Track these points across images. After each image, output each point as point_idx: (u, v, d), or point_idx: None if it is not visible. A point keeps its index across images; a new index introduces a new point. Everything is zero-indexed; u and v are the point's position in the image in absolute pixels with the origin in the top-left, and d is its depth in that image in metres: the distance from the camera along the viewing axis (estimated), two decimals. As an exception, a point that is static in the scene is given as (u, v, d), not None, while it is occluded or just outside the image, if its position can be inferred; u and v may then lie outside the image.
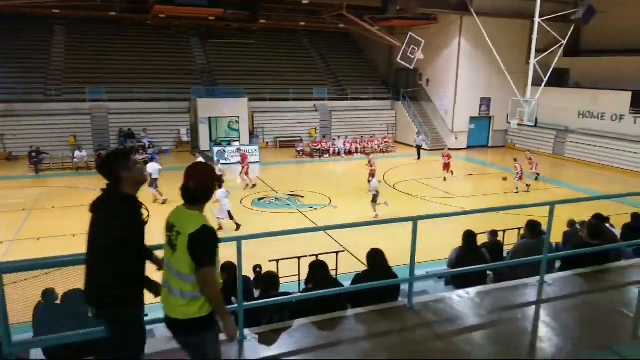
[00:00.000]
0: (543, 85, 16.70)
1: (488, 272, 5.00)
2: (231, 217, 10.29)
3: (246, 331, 3.19)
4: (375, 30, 21.08)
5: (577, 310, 3.74)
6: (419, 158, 19.30)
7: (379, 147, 21.23)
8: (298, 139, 21.27)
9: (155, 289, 2.45)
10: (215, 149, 18.55)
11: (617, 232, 6.07)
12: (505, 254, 5.80)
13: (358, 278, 3.84)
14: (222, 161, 17.62)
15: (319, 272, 3.83)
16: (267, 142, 21.81)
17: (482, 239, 5.71)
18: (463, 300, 3.77)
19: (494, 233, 6.28)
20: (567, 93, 20.55)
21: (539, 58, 15.99)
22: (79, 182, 15.35)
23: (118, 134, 19.24)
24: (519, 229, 7.59)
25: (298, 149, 20.14)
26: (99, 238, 2.30)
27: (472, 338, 3.29)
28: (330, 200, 13.18)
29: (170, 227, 2.29)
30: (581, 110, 19.92)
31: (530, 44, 16.32)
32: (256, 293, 5.07)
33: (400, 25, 22.06)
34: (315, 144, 20.46)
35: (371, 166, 14.16)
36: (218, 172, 13.14)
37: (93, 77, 20.44)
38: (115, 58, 21.66)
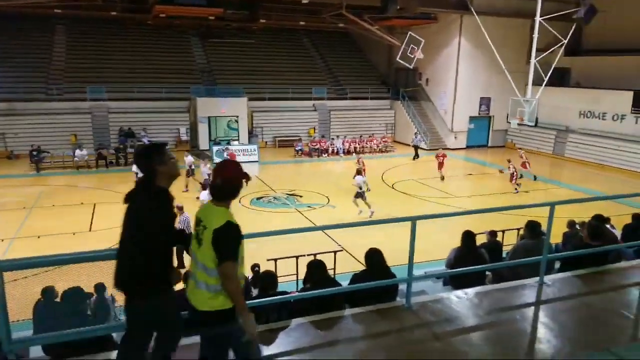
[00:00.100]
0: (544, 84, 16.68)
1: (487, 273, 5.00)
2: None
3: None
4: (374, 30, 21.06)
5: (576, 312, 3.73)
6: (415, 158, 19.17)
7: (377, 146, 21.22)
8: (297, 138, 21.27)
9: (175, 275, 2.55)
10: (215, 148, 18.57)
11: (618, 233, 6.06)
12: (504, 255, 5.80)
13: (356, 278, 3.84)
14: (217, 160, 17.66)
15: (317, 271, 3.83)
16: (266, 142, 21.82)
17: (481, 239, 5.71)
18: (461, 301, 3.76)
19: (493, 233, 6.27)
20: (568, 93, 20.52)
21: (539, 57, 15.98)
22: (80, 181, 15.38)
23: (118, 133, 19.25)
24: (519, 229, 7.58)
25: (297, 149, 20.15)
26: (134, 229, 2.39)
27: (470, 338, 3.28)
28: (329, 200, 13.19)
29: (198, 222, 2.37)
30: (582, 110, 19.89)
31: (531, 43, 16.31)
32: (254, 292, 5.08)
33: (400, 25, 22.03)
34: (314, 144, 20.46)
35: (361, 165, 14.13)
36: (207, 172, 13.16)
37: (94, 77, 20.46)
38: (116, 57, 21.66)
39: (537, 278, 4.08)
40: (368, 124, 23.11)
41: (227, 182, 2.35)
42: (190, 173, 13.95)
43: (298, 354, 3.03)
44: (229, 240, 2.25)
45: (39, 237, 9.92)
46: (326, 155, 20.00)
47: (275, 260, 6.91)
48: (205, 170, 13.26)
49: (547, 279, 4.11)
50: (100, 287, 5.20)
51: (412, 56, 19.35)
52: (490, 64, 19.31)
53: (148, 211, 2.37)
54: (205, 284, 2.30)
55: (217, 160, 18.25)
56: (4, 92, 18.65)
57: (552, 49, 16.92)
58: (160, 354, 2.60)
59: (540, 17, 15.49)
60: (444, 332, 3.32)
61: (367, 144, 21.21)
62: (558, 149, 20.50)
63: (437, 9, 20.11)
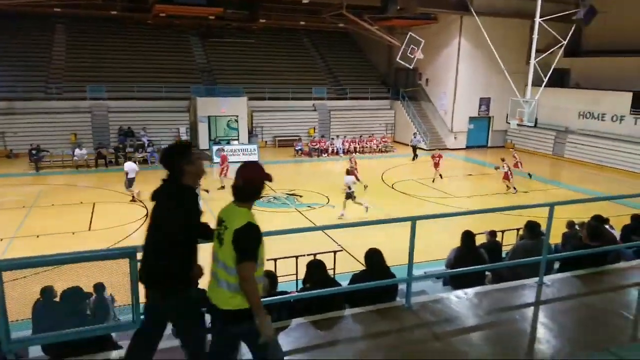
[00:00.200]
0: (543, 85, 16.70)
1: (486, 273, 5.00)
2: None
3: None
4: (375, 30, 21.06)
5: (575, 312, 3.73)
6: (414, 158, 19.12)
7: (377, 146, 21.22)
8: (297, 138, 21.27)
9: (198, 273, 2.62)
10: (215, 147, 18.56)
11: (617, 233, 6.06)
12: (504, 255, 5.80)
13: (356, 278, 3.84)
14: (217, 159, 17.67)
15: (316, 271, 3.82)
16: (266, 141, 21.81)
17: (480, 240, 5.71)
18: (461, 301, 3.77)
19: (492, 233, 6.27)
20: (568, 93, 20.54)
21: (539, 58, 15.98)
22: (79, 180, 15.36)
23: (118, 132, 19.23)
24: (518, 229, 7.58)
25: (297, 148, 20.15)
26: (163, 226, 2.45)
27: (470, 339, 3.28)
28: (329, 200, 13.18)
29: (219, 222, 2.41)
30: (581, 110, 19.91)
31: (531, 44, 16.32)
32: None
33: (400, 25, 22.03)
34: (314, 143, 20.46)
35: (353, 164, 14.12)
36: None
37: (93, 76, 20.44)
38: (116, 57, 21.65)
39: (537, 278, 4.08)
40: (368, 124, 23.11)
41: (249, 183, 2.37)
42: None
43: (298, 354, 3.02)
44: (248, 240, 2.29)
45: (38, 236, 9.91)
46: (326, 155, 20.00)
47: (275, 260, 6.90)
48: None
49: (547, 279, 4.12)
50: (99, 287, 5.18)
51: (412, 56, 19.35)
52: (490, 65, 19.32)
53: (172, 209, 2.42)
54: (226, 282, 2.33)
55: (216, 160, 18.25)
56: (3, 91, 18.62)
57: (552, 49, 16.93)
58: (191, 356, 2.61)
59: (540, 17, 15.50)
60: (443, 332, 3.32)
61: (367, 144, 21.21)
62: (557, 149, 20.52)
63: (437, 9, 20.12)
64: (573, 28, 16.86)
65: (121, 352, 3.18)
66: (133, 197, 12.61)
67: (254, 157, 18.47)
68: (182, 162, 2.43)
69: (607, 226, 5.97)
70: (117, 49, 22.00)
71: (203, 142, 20.00)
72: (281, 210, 12.36)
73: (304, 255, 6.63)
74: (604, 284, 4.21)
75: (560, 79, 20.66)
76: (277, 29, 24.96)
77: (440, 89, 22.41)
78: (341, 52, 26.54)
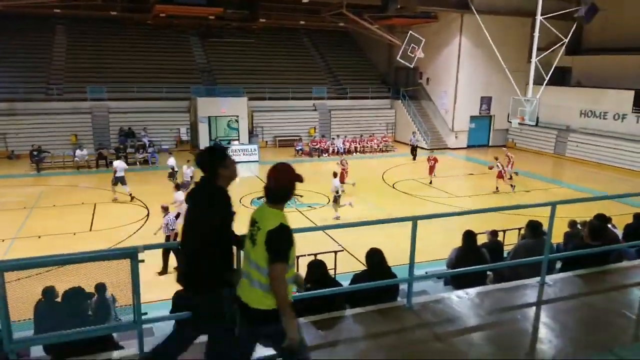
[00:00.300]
0: (544, 84, 16.65)
1: (488, 273, 4.99)
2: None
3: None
4: (375, 29, 21.03)
5: (577, 312, 3.72)
6: (414, 158, 19.08)
7: (378, 146, 21.20)
8: (297, 138, 21.26)
9: (236, 276, 2.64)
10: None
11: (619, 232, 6.04)
12: (505, 254, 5.79)
13: (357, 278, 3.84)
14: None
15: (317, 271, 3.82)
16: (267, 141, 21.80)
17: (482, 239, 5.70)
18: (462, 301, 3.76)
19: (494, 233, 6.26)
20: (569, 92, 20.48)
21: (540, 56, 15.94)
22: (80, 181, 15.38)
23: (118, 133, 19.26)
24: (520, 229, 7.57)
25: (297, 148, 20.14)
26: (198, 227, 2.51)
27: (471, 339, 3.27)
28: (329, 200, 13.16)
29: (252, 223, 2.45)
30: (583, 109, 19.85)
31: (532, 42, 16.28)
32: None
33: (400, 24, 21.99)
34: (315, 143, 20.44)
35: (345, 166, 14.09)
36: (190, 173, 12.91)
37: (94, 76, 20.46)
38: (116, 57, 21.66)
39: (538, 278, 4.06)
40: (368, 123, 23.09)
41: (280, 185, 2.40)
42: (173, 175, 13.70)
43: (282, 357, 3.01)
44: (280, 242, 2.32)
45: (39, 237, 9.93)
46: (326, 155, 19.98)
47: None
48: (188, 172, 12.96)
49: (549, 278, 4.10)
50: (101, 287, 5.19)
51: (413, 55, 19.31)
52: (491, 63, 19.28)
53: (206, 210, 2.49)
54: (259, 282, 2.36)
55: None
56: (4, 92, 18.65)
57: (553, 48, 16.88)
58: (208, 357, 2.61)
59: (541, 16, 15.46)
60: (445, 332, 3.31)
61: (367, 143, 21.19)
62: (559, 148, 20.47)
63: (437, 8, 20.07)
64: (574, 26, 16.81)
65: (122, 352, 3.19)
66: (131, 195, 12.74)
67: (254, 158, 18.48)
68: (218, 165, 2.50)
69: (609, 225, 5.95)
70: (117, 50, 22.01)
71: (204, 143, 19.99)
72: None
73: (304, 255, 6.62)
74: (606, 284, 4.19)
75: (561, 78, 20.60)
76: (277, 29, 24.95)
77: (441, 88, 22.37)
78: (341, 52, 26.52)
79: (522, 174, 15.55)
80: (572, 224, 6.62)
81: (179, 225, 8.90)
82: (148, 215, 11.53)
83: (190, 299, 2.60)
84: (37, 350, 3.97)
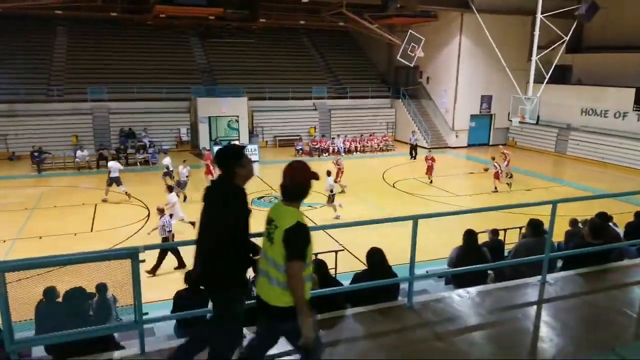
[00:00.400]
0: (545, 82, 16.62)
1: (489, 272, 4.98)
2: (169, 231, 8.53)
3: (245, 330, 3.18)
4: (375, 28, 21.01)
5: (579, 310, 3.71)
6: (414, 158, 19.00)
7: (378, 145, 21.18)
8: (297, 137, 21.25)
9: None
10: (215, 148, 18.56)
11: (620, 231, 6.02)
12: (506, 253, 5.78)
13: (357, 277, 3.84)
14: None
15: (318, 271, 3.82)
16: (267, 141, 21.80)
17: (483, 238, 5.69)
18: (463, 300, 3.75)
19: (495, 232, 6.25)
20: (570, 90, 20.44)
21: (540, 55, 15.91)
22: (81, 182, 15.39)
23: (119, 134, 19.27)
24: (521, 227, 7.56)
25: (297, 148, 20.13)
26: (214, 225, 2.52)
27: (472, 338, 3.27)
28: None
29: (269, 221, 2.46)
30: (584, 107, 19.81)
31: (532, 40, 16.25)
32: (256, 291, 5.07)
33: (400, 23, 21.96)
34: (315, 143, 20.44)
35: (340, 166, 14.05)
36: (186, 173, 12.78)
37: (94, 77, 20.47)
38: (116, 58, 21.68)
39: (540, 277, 4.06)
40: (368, 123, 23.07)
41: (295, 183, 2.42)
42: (168, 174, 13.64)
43: (299, 353, 3.02)
44: (298, 240, 2.33)
45: (40, 237, 9.94)
46: (327, 154, 19.96)
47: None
48: (184, 172, 12.87)
49: (550, 277, 4.10)
50: (101, 288, 5.19)
51: (413, 54, 19.29)
52: (491, 62, 19.25)
53: (221, 208, 2.50)
54: (277, 280, 2.37)
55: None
56: (5, 94, 18.68)
57: (554, 46, 16.85)
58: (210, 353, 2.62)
59: (542, 14, 15.43)
60: (446, 332, 3.31)
61: (367, 143, 21.17)
62: (560, 147, 20.44)
63: (437, 7, 20.04)
64: (575, 24, 16.77)
65: (123, 352, 3.19)
66: (127, 193, 12.79)
67: (254, 157, 18.46)
68: (234, 164, 2.52)
69: (610, 224, 5.94)
70: (117, 51, 22.03)
71: (204, 143, 20.00)
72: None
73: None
74: (608, 282, 4.18)
75: (562, 76, 20.56)
76: (277, 29, 24.94)
77: (441, 87, 22.34)
78: (341, 51, 26.50)
79: (523, 173, 15.54)
80: (573, 222, 6.61)
81: (174, 225, 8.94)
82: (149, 215, 11.54)
83: (215, 299, 2.62)
84: (38, 351, 3.98)
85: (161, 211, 8.68)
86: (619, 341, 3.26)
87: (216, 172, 15.94)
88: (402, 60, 19.59)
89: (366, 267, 3.98)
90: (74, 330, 2.91)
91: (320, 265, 3.89)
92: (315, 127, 22.23)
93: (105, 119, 19.51)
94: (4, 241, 9.72)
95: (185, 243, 3.14)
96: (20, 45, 20.63)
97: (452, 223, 8.64)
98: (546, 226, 4.41)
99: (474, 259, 4.44)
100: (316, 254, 6.23)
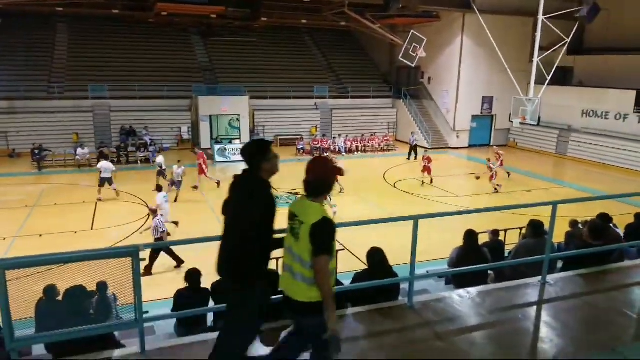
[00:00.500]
0: (546, 83, 16.60)
1: (489, 272, 4.98)
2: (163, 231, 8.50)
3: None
4: (377, 28, 21.00)
5: (579, 311, 3.72)
6: (413, 157, 18.95)
7: (379, 145, 21.17)
8: (299, 137, 21.25)
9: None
10: (217, 146, 18.58)
11: (620, 232, 6.02)
12: (506, 254, 5.78)
13: (358, 277, 3.84)
14: (219, 158, 17.68)
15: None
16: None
17: (483, 239, 5.69)
18: (464, 300, 3.75)
19: (495, 232, 6.25)
20: (571, 92, 20.43)
21: (542, 56, 15.89)
22: (81, 179, 15.40)
23: (120, 132, 19.28)
24: (521, 228, 7.56)
25: (298, 147, 20.13)
26: (239, 217, 2.53)
27: (472, 338, 3.27)
28: (330, 199, 13.15)
29: (292, 216, 2.46)
30: (585, 109, 19.80)
31: (534, 42, 16.23)
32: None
33: (402, 23, 21.95)
34: (316, 142, 20.43)
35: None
36: (180, 173, 12.63)
37: (95, 75, 20.48)
38: (117, 56, 21.68)
39: (540, 277, 4.06)
40: (370, 122, 23.06)
41: (318, 178, 2.43)
42: (161, 174, 13.58)
43: (313, 350, 3.01)
44: (324, 235, 2.34)
45: (40, 235, 9.94)
46: (328, 154, 19.94)
47: (277, 259, 6.91)
48: (178, 172, 12.74)
49: (550, 278, 4.10)
50: (102, 286, 5.20)
51: (415, 55, 19.27)
52: (493, 63, 19.23)
53: (246, 202, 2.50)
54: (302, 275, 2.38)
55: (218, 159, 18.28)
56: (5, 91, 18.68)
57: (555, 47, 16.82)
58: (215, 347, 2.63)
59: (543, 15, 15.41)
60: (446, 332, 3.31)
61: (368, 142, 21.17)
62: (560, 148, 20.43)
63: (439, 7, 20.03)
64: (576, 26, 16.75)
65: (124, 351, 3.19)
66: (116, 191, 12.82)
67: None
68: (260, 158, 2.53)
69: (611, 225, 5.93)
70: (118, 48, 22.02)
71: (205, 141, 20.01)
72: (283, 209, 12.33)
73: (305, 254, 6.61)
74: (608, 283, 4.18)
75: (563, 77, 20.55)
76: (278, 28, 24.92)
77: (442, 87, 22.33)
78: (343, 51, 26.48)
79: (523, 174, 15.53)
80: (574, 223, 6.61)
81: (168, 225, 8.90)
82: (149, 214, 11.54)
83: (227, 290, 2.64)
84: (38, 349, 3.99)
85: (154, 212, 8.66)
86: (619, 342, 3.26)
87: (209, 172, 15.80)
88: (404, 61, 19.58)
89: (366, 267, 3.98)
90: (75, 329, 2.91)
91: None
92: (316, 127, 22.23)
93: (106, 116, 19.51)
94: (4, 239, 9.73)
95: (177, 243, 3.13)
96: (21, 42, 20.62)
97: (453, 223, 8.64)
98: (546, 227, 4.41)
99: (475, 259, 4.44)
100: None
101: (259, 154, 2.54)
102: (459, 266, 4.53)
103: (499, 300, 3.81)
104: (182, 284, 4.77)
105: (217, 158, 18.25)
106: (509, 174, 15.22)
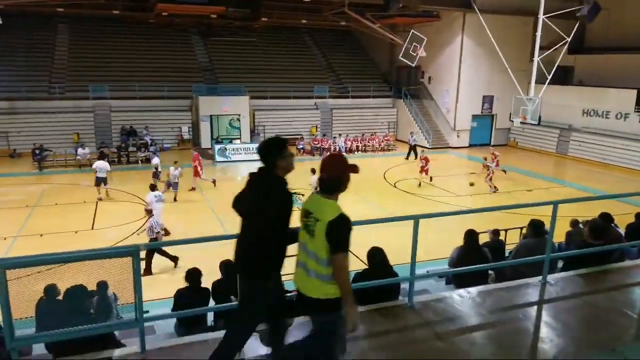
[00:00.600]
0: (547, 83, 16.57)
1: (489, 272, 4.98)
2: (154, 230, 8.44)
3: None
4: (377, 28, 20.99)
5: (579, 311, 3.71)
6: (410, 157, 18.91)
7: (379, 145, 21.16)
8: (299, 137, 21.25)
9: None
10: (217, 146, 18.58)
11: (621, 232, 6.01)
12: (507, 254, 5.78)
13: (358, 276, 3.83)
14: (219, 158, 17.66)
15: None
16: (269, 140, 21.78)
17: (483, 238, 5.69)
18: (464, 300, 3.75)
19: (496, 232, 6.24)
20: (571, 91, 20.40)
21: (542, 55, 15.86)
22: (82, 179, 15.40)
23: (120, 132, 19.29)
24: (521, 228, 7.56)
25: (299, 147, 20.12)
26: (256, 215, 2.56)
27: (472, 338, 3.27)
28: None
29: (306, 214, 2.47)
30: (585, 108, 19.78)
31: (534, 41, 16.20)
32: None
33: (402, 23, 21.93)
34: (316, 142, 20.43)
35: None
36: (177, 174, 12.48)
37: (96, 75, 20.50)
38: (118, 56, 21.70)
39: (540, 277, 4.06)
40: (370, 122, 23.05)
41: (333, 176, 2.44)
42: (156, 175, 13.56)
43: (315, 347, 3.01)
44: (342, 232, 2.35)
45: (41, 235, 9.95)
46: (328, 154, 19.94)
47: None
48: (175, 173, 12.63)
49: (550, 278, 4.09)
50: (102, 285, 5.20)
51: (415, 54, 19.26)
52: (493, 62, 19.22)
53: (262, 199, 2.53)
54: (316, 272, 2.39)
55: (218, 158, 18.28)
56: (6, 91, 18.70)
57: (555, 47, 16.79)
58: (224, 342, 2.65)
59: (544, 15, 15.38)
60: (446, 331, 3.30)
61: (369, 142, 21.16)
62: (561, 147, 20.41)
63: (439, 7, 20.01)
64: (577, 25, 16.71)
65: (124, 350, 3.19)
66: (99, 194, 12.70)
67: (256, 156, 18.44)
68: (276, 156, 2.55)
69: (612, 225, 5.92)
70: (119, 49, 22.04)
71: (205, 141, 20.02)
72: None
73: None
74: (608, 283, 4.18)
75: (563, 77, 20.52)
76: (278, 28, 24.92)
77: (442, 87, 22.31)
78: (343, 51, 26.48)
79: (524, 173, 15.52)
80: (574, 223, 6.60)
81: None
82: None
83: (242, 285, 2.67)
84: (39, 348, 3.99)
85: (149, 212, 8.66)
86: (620, 342, 3.25)
87: (203, 173, 15.72)
88: (404, 60, 19.56)
89: (367, 267, 3.97)
90: (75, 328, 2.91)
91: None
92: (316, 127, 22.22)
93: (107, 116, 19.53)
94: (5, 238, 9.74)
95: (171, 243, 3.14)
96: (21, 43, 20.64)
97: (453, 223, 8.63)
98: (547, 227, 4.41)
99: (475, 259, 4.44)
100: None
101: (275, 152, 2.56)
102: (460, 266, 4.53)
103: (499, 300, 3.81)
104: (182, 284, 4.77)
105: (218, 158, 18.25)
106: (504, 171, 15.23)
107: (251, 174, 2.65)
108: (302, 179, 16.09)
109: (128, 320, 3.08)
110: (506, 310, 3.66)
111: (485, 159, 14.54)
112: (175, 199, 12.53)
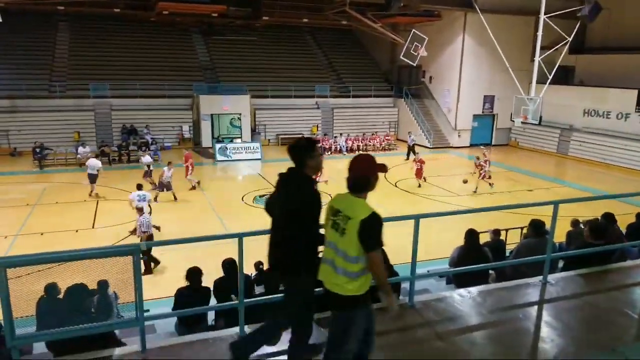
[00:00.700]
0: (548, 83, 16.56)
1: (490, 272, 4.98)
2: (135, 231, 8.62)
3: (247, 328, 3.19)
4: (378, 27, 20.96)
5: (580, 311, 3.71)
6: (407, 158, 18.82)
7: (380, 144, 21.16)
8: (300, 136, 21.22)
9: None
10: (217, 145, 18.58)
11: (622, 232, 6.00)
12: (507, 253, 5.78)
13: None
14: (220, 157, 17.66)
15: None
16: (269, 139, 21.80)
17: (484, 238, 5.68)
18: (464, 300, 3.75)
19: (496, 232, 6.24)
20: (572, 91, 20.38)
21: (543, 55, 15.84)
22: (82, 178, 15.38)
23: (121, 130, 19.29)
24: (522, 228, 7.55)
25: (300, 146, 20.10)
26: (287, 217, 2.63)
27: (473, 337, 3.27)
28: (331, 198, 13.16)
29: (335, 212, 2.51)
30: (586, 108, 19.76)
31: (535, 41, 16.17)
32: (258, 289, 5.08)
33: (403, 22, 21.91)
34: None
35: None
36: (169, 175, 12.36)
37: (96, 74, 20.49)
38: (119, 55, 21.69)
39: (541, 277, 4.05)
40: (371, 122, 23.04)
41: (360, 174, 2.49)
42: (148, 174, 13.51)
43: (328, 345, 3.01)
44: (375, 230, 2.40)
45: (42, 234, 9.96)
46: (329, 153, 19.94)
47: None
48: (168, 174, 12.45)
49: (551, 278, 4.09)
50: (103, 284, 5.20)
51: (416, 54, 19.24)
52: (494, 62, 19.20)
53: (302, 195, 2.60)
54: (344, 270, 2.43)
55: (219, 157, 18.28)
56: (7, 89, 18.71)
57: (556, 47, 16.76)
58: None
59: (545, 15, 15.36)
60: (447, 331, 3.30)
61: (369, 142, 21.16)
62: (562, 147, 20.39)
63: (440, 6, 19.99)
64: (578, 25, 16.69)
65: (124, 349, 3.20)
66: (90, 193, 12.74)
67: (257, 156, 18.47)
68: (305, 155, 2.63)
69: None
70: (120, 47, 22.03)
71: (206, 140, 20.03)
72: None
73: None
74: (609, 283, 4.18)
75: (564, 77, 20.49)
76: (279, 27, 24.89)
77: (443, 86, 22.29)
78: (344, 50, 26.45)
79: (524, 173, 15.51)
80: (575, 223, 6.59)
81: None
82: (150, 212, 11.54)
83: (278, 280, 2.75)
84: (39, 347, 3.99)
85: (140, 210, 8.66)
86: (620, 342, 3.25)
87: (191, 174, 15.65)
88: (405, 60, 19.55)
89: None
90: (75, 327, 2.92)
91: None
92: (317, 126, 22.22)
93: (107, 115, 19.53)
94: (6, 237, 9.75)
95: (165, 243, 3.14)
96: (22, 41, 20.63)
97: (454, 223, 8.63)
98: (548, 226, 4.40)
99: (476, 259, 4.44)
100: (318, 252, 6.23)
101: (306, 151, 2.63)
102: (460, 266, 4.53)
103: (499, 299, 3.81)
104: (183, 283, 4.77)
105: (218, 157, 18.25)
106: (490, 176, 15.21)
107: (280, 175, 2.72)
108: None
109: (128, 319, 3.08)
110: (507, 310, 3.66)
111: (478, 158, 14.53)
112: (175, 198, 12.53)
